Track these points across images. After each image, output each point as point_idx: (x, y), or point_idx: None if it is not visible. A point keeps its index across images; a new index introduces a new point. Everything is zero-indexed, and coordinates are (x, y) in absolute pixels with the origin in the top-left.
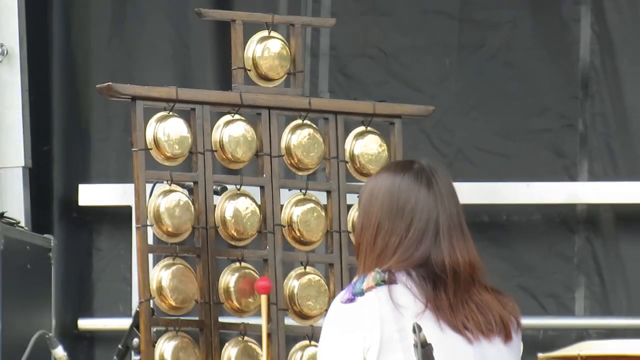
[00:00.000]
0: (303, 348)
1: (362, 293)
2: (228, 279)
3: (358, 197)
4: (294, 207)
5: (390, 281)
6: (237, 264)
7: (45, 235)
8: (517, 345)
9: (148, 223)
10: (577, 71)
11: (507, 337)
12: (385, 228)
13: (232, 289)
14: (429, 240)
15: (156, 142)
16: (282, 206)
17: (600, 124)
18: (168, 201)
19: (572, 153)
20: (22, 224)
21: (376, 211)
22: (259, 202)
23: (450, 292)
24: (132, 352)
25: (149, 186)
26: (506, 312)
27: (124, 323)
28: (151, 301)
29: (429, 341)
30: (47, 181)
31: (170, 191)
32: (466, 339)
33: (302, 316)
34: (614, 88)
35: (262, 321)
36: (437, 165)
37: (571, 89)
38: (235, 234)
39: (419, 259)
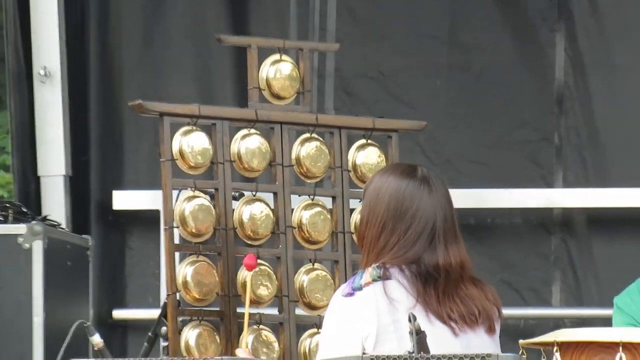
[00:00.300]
0: (312, 335)
1: (360, 288)
2: (245, 274)
3: (363, 190)
4: (303, 211)
5: (385, 277)
6: None
7: (84, 236)
8: (498, 334)
9: (174, 225)
10: (552, 90)
11: (490, 329)
12: (388, 228)
13: (248, 283)
14: (423, 242)
15: (181, 153)
16: (292, 210)
17: (573, 136)
18: (192, 206)
19: (549, 163)
20: (63, 225)
21: (382, 211)
22: (272, 207)
23: (440, 288)
24: (161, 339)
25: (175, 192)
26: (489, 304)
27: (154, 313)
28: (177, 294)
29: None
30: (85, 188)
31: (194, 197)
32: (452, 331)
33: (311, 307)
34: (586, 105)
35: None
36: (434, 173)
37: (547, 106)
38: (251, 234)
39: (411, 257)
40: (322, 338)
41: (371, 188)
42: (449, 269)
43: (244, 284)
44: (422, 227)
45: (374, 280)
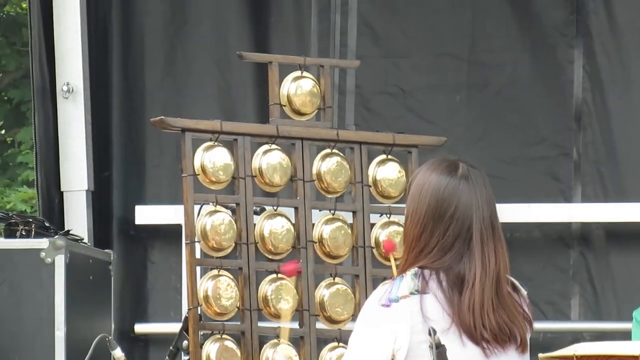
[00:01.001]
0: (332, 349)
1: (397, 300)
2: (266, 288)
3: (409, 182)
4: (324, 226)
5: (422, 290)
6: (274, 275)
7: (106, 250)
8: (528, 351)
9: (196, 239)
10: (571, 106)
11: (522, 349)
12: (429, 228)
13: (269, 297)
14: (460, 244)
15: (203, 168)
16: (313, 225)
17: (591, 152)
18: (213, 220)
19: (567, 178)
20: (86, 240)
21: (424, 211)
22: (293, 221)
23: (477, 298)
24: (182, 353)
25: (197, 207)
26: (521, 319)
27: (175, 327)
28: (198, 308)
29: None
30: (107, 203)
31: (216, 211)
32: (483, 352)
33: (332, 321)
34: (604, 121)
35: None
36: (476, 171)
37: (566, 122)
38: (272, 249)
39: (449, 261)
40: (352, 341)
41: (414, 185)
42: (483, 276)
43: (265, 298)
44: (459, 229)
45: (411, 294)
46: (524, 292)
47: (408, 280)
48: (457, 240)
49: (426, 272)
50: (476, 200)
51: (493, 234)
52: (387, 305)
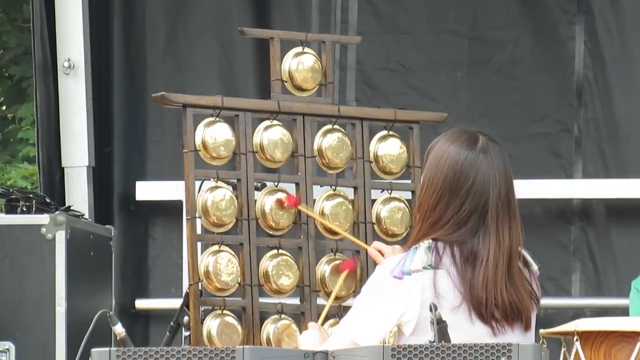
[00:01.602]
0: (333, 325)
1: (409, 273)
2: (267, 264)
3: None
4: (325, 202)
5: (436, 265)
6: (275, 251)
7: (107, 226)
8: (533, 329)
9: (197, 215)
10: (572, 83)
11: (527, 326)
12: (444, 200)
13: (270, 273)
14: (475, 219)
15: (204, 144)
16: (314, 201)
17: (592, 128)
18: (214, 196)
19: (568, 154)
20: (86, 216)
21: (441, 182)
22: None
23: (490, 273)
24: (183, 329)
25: (197, 183)
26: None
27: (176, 303)
28: (199, 284)
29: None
30: (108, 179)
31: (217, 187)
32: (492, 330)
33: None
34: (605, 97)
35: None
36: (495, 145)
37: (567, 98)
38: (273, 224)
39: (463, 235)
40: (357, 306)
41: (433, 154)
42: (497, 252)
43: (266, 274)
44: (475, 204)
45: (424, 268)
46: (535, 267)
47: (422, 254)
48: (473, 215)
49: (440, 245)
50: (494, 175)
51: (509, 210)
52: (400, 278)
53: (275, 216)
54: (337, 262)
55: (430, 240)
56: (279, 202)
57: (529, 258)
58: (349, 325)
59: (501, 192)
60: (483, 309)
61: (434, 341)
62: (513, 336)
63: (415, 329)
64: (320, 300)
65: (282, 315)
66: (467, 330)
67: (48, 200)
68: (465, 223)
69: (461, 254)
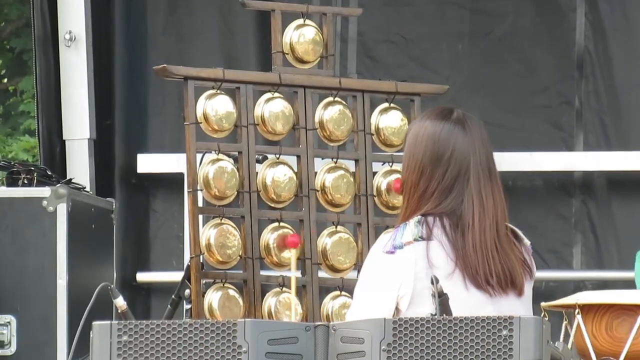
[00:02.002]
0: (334, 298)
1: (401, 247)
2: (268, 237)
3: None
4: (326, 174)
5: (427, 237)
6: (277, 224)
7: (108, 199)
8: (528, 295)
9: (198, 188)
10: (573, 54)
11: (519, 292)
12: (427, 172)
13: (272, 246)
14: (459, 186)
15: (205, 116)
16: (315, 173)
17: (593, 101)
18: (216, 168)
19: (569, 126)
20: (88, 189)
21: (421, 156)
22: (295, 170)
23: (477, 238)
24: (184, 302)
25: (199, 155)
26: (520, 265)
27: (177, 276)
28: (201, 257)
29: (454, 300)
30: (109, 151)
31: (218, 160)
32: (487, 295)
33: (334, 270)
34: (606, 69)
35: (292, 272)
36: (471, 115)
37: (568, 70)
38: (274, 197)
39: (450, 205)
40: (357, 292)
41: (410, 134)
42: (482, 215)
43: (267, 247)
44: (457, 170)
45: (415, 240)
46: (527, 242)
47: (412, 227)
48: (457, 181)
49: (430, 218)
50: (472, 143)
51: (490, 177)
52: (392, 252)
53: (277, 189)
54: (284, 234)
55: (419, 216)
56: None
57: (519, 233)
58: (356, 312)
59: (481, 158)
60: (477, 275)
61: (436, 314)
62: (507, 301)
63: (411, 301)
64: (321, 273)
65: (284, 288)
66: (463, 296)
67: (49, 173)
68: (450, 191)
69: (450, 223)
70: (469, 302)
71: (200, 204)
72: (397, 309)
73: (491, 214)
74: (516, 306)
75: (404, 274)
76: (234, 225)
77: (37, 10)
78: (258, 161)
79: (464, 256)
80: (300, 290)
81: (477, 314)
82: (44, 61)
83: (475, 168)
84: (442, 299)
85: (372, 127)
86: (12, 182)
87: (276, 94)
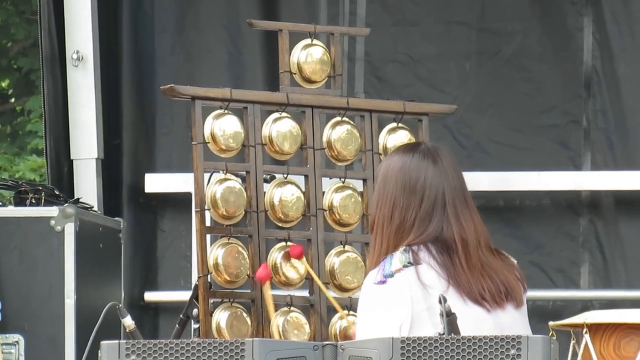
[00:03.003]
0: (342, 317)
1: (392, 275)
2: (276, 256)
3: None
4: (334, 194)
5: (415, 262)
6: (284, 243)
7: (116, 218)
8: (525, 307)
9: (206, 207)
10: (580, 74)
11: (517, 303)
12: (400, 204)
13: (279, 265)
14: (439, 213)
15: (213, 136)
16: (323, 193)
17: (601, 120)
18: (223, 188)
19: (577, 146)
20: (95, 208)
21: (391, 189)
22: (303, 189)
23: (463, 260)
24: (192, 321)
25: (206, 175)
26: (513, 278)
27: (185, 295)
28: (208, 276)
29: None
30: (117, 171)
31: (226, 179)
32: (485, 309)
33: (342, 289)
34: (613, 89)
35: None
36: (440, 145)
37: (575, 90)
38: (282, 217)
39: (433, 232)
40: (358, 329)
41: (381, 172)
42: (463, 235)
43: (275, 266)
44: (434, 198)
45: (405, 267)
46: (514, 260)
47: (399, 256)
48: (435, 208)
49: (414, 247)
50: (444, 170)
51: (466, 203)
52: (383, 282)
53: (284, 208)
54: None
55: (404, 246)
56: (286, 255)
57: (504, 253)
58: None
59: (455, 185)
60: (472, 292)
61: (444, 333)
62: (505, 314)
63: (411, 326)
64: (329, 293)
65: (291, 308)
66: (462, 310)
67: (57, 193)
68: (431, 220)
69: (436, 248)
70: (469, 317)
71: (207, 223)
72: None
73: (473, 237)
74: (515, 318)
75: (400, 300)
76: (241, 245)
77: (45, 30)
78: (266, 181)
79: (456, 275)
80: (308, 310)
81: (477, 328)
82: (52, 81)
83: (451, 194)
84: (450, 319)
85: (380, 147)
86: (19, 201)
87: (284, 114)
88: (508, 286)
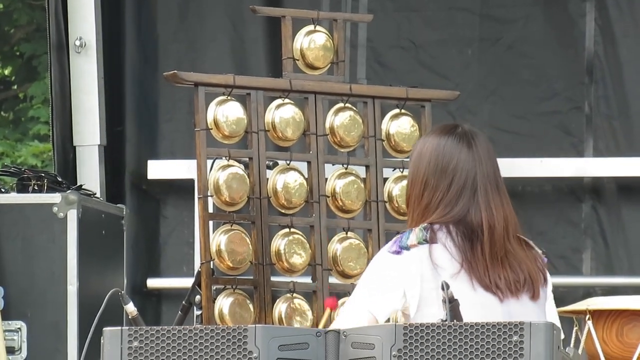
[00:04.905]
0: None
1: (407, 248)
2: (279, 242)
3: (409, 157)
4: (337, 180)
5: (431, 240)
6: (287, 230)
7: (118, 205)
8: (543, 299)
9: (209, 194)
10: (583, 60)
11: (534, 295)
12: (431, 184)
13: (282, 252)
14: (467, 197)
15: (216, 122)
16: (326, 179)
17: (603, 106)
18: (226, 175)
19: (579, 132)
20: (98, 195)
21: (424, 169)
22: (306, 176)
23: (487, 247)
24: (195, 308)
25: (209, 161)
26: (535, 269)
27: (188, 282)
28: (211, 263)
29: (460, 299)
30: (119, 158)
31: (228, 166)
32: (497, 297)
33: (344, 275)
34: (615, 74)
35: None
36: (477, 130)
37: (578, 76)
38: (285, 203)
39: (457, 214)
40: (360, 286)
41: (414, 152)
42: (491, 222)
43: (278, 253)
44: (463, 182)
45: (420, 243)
46: (540, 251)
47: (417, 232)
48: (463, 193)
49: (436, 226)
50: (478, 155)
51: (498, 190)
52: (398, 252)
53: (287, 195)
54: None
55: (425, 223)
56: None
57: (532, 243)
58: (360, 299)
59: (488, 171)
60: (485, 278)
61: (446, 320)
62: (519, 304)
63: (419, 304)
64: (332, 279)
65: (294, 294)
66: (470, 296)
67: (59, 179)
68: (457, 203)
69: (457, 230)
70: (476, 302)
71: (210, 210)
72: (404, 314)
73: (502, 225)
74: (529, 309)
75: (411, 274)
76: (244, 231)
77: (52, 16)
78: (268, 167)
79: (471, 260)
80: (311, 296)
81: (485, 314)
82: (58, 67)
83: (483, 180)
84: (452, 305)
85: (383, 133)
86: (22, 188)
87: (287, 100)
88: (528, 276)
